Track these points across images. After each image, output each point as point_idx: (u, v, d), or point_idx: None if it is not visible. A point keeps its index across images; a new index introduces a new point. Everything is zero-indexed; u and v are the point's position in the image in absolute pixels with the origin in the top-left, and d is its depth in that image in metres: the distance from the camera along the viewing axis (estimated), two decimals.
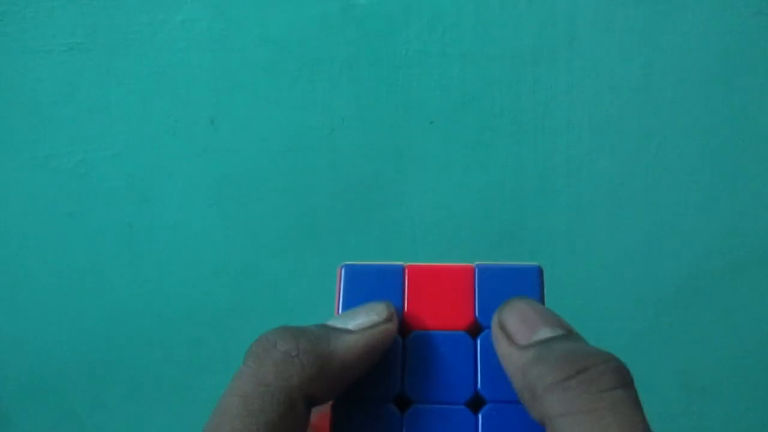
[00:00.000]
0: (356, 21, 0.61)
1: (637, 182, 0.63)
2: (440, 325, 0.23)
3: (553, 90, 0.61)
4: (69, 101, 0.63)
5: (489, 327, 0.22)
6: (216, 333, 0.67)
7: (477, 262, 0.24)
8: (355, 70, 0.62)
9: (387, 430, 0.22)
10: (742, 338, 0.65)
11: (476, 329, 0.23)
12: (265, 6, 0.61)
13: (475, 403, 0.22)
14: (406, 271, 0.24)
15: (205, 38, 0.62)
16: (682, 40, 0.60)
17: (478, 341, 0.23)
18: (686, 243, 0.64)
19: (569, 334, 0.21)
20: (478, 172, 0.63)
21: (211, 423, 0.19)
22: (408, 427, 0.22)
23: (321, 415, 0.22)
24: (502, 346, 0.21)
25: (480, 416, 0.22)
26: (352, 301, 0.23)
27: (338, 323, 0.22)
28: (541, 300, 0.23)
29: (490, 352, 0.22)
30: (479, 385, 0.22)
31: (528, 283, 0.23)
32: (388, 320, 0.22)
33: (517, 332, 0.21)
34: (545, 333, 0.20)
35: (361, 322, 0.22)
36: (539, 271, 0.23)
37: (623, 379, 0.19)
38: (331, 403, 0.22)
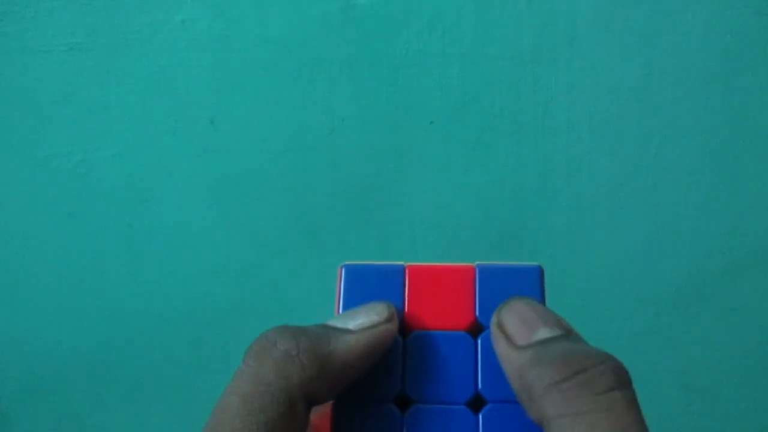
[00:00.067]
0: (356, 21, 0.61)
1: (637, 182, 0.63)
2: (441, 325, 0.23)
3: (553, 90, 0.61)
4: (69, 101, 0.63)
5: (489, 327, 0.22)
6: (216, 333, 0.67)
7: (478, 262, 0.24)
8: (355, 70, 0.62)
9: (387, 430, 0.22)
10: (742, 338, 0.65)
11: (477, 329, 0.23)
12: (265, 6, 0.61)
13: (476, 403, 0.22)
14: (407, 271, 0.24)
15: (205, 38, 0.62)
16: (682, 40, 0.60)
17: (479, 341, 0.23)
18: (686, 243, 0.64)
19: (568, 335, 0.21)
20: (478, 172, 0.63)
21: (210, 422, 0.19)
22: (408, 427, 0.22)
23: (321, 414, 0.22)
24: (500, 347, 0.21)
25: (480, 416, 0.22)
26: (352, 301, 0.23)
27: (338, 323, 0.22)
28: (542, 300, 0.23)
29: (490, 352, 0.22)
30: (480, 385, 0.22)
31: (529, 283, 0.23)
32: (388, 320, 0.22)
33: (515, 333, 0.21)
34: (544, 333, 0.20)
35: (361, 322, 0.22)
36: (540, 271, 0.23)
37: (621, 380, 0.19)
38: (331, 402, 0.22)
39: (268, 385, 0.19)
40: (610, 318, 0.65)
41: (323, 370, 0.20)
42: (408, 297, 0.23)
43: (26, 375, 0.69)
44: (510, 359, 0.20)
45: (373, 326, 0.22)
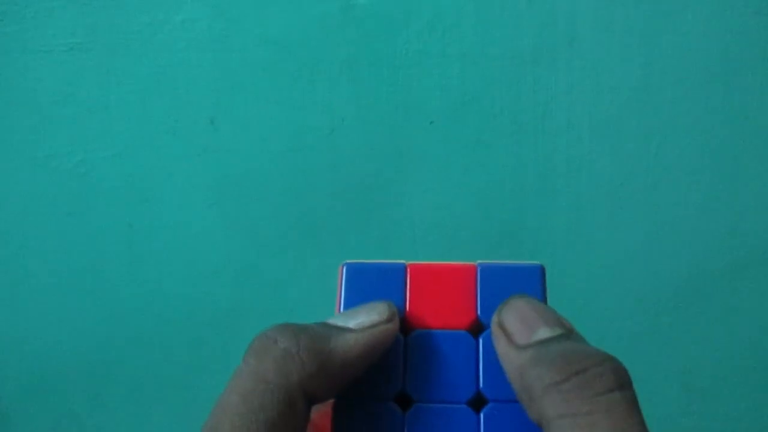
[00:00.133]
0: (356, 21, 0.61)
1: (637, 182, 0.63)
2: (442, 324, 0.23)
3: (553, 90, 0.61)
4: (69, 101, 0.63)
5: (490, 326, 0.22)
6: (216, 333, 0.67)
7: (479, 261, 0.24)
8: (355, 70, 0.62)
9: (388, 429, 0.22)
10: (742, 338, 0.65)
11: (478, 328, 0.23)
12: (265, 6, 0.61)
13: (477, 403, 0.22)
14: (408, 269, 0.24)
15: (205, 38, 0.62)
16: (682, 40, 0.60)
17: (480, 340, 0.23)
18: (686, 243, 0.64)
19: (569, 334, 0.20)
20: (478, 172, 0.63)
21: (210, 421, 0.19)
22: (409, 426, 0.22)
23: (322, 413, 0.22)
24: (501, 346, 0.21)
25: (482, 415, 0.22)
26: (353, 300, 0.23)
27: (339, 321, 0.22)
28: (544, 299, 0.23)
29: (491, 351, 0.22)
30: (481, 385, 0.22)
31: (530, 282, 0.23)
32: (389, 320, 0.22)
33: (516, 332, 0.21)
34: (544, 333, 0.20)
35: (362, 321, 0.22)
36: (541, 270, 0.23)
37: (621, 380, 0.19)
38: (332, 401, 0.22)
39: (268, 384, 0.19)
40: (610, 318, 0.65)
41: (323, 369, 0.20)
42: (409, 296, 0.23)
43: (26, 375, 0.69)
44: (510, 359, 0.20)
45: (373, 325, 0.22)
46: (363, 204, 0.64)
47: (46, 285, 0.67)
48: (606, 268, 0.64)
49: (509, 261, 0.24)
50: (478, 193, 0.63)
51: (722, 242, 0.63)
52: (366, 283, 0.23)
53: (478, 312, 0.23)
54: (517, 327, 0.21)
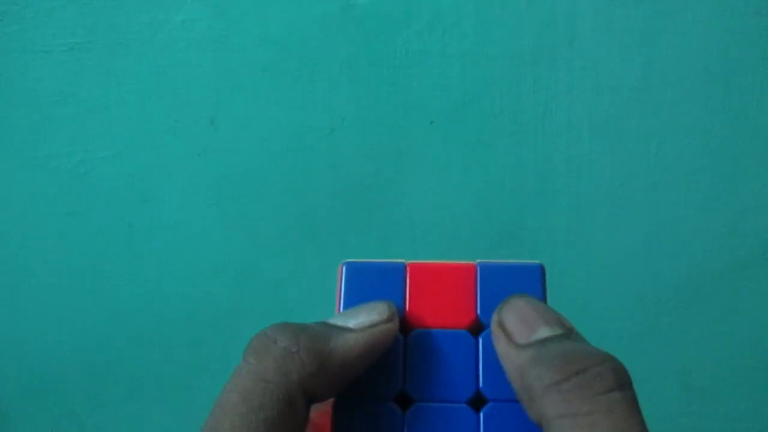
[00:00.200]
0: (356, 21, 0.61)
1: (637, 182, 0.63)
2: (442, 323, 0.23)
3: (553, 90, 0.61)
4: (69, 101, 0.63)
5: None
6: (216, 333, 0.67)
7: (479, 260, 0.24)
8: (355, 70, 0.62)
9: (388, 429, 0.22)
10: (742, 338, 0.65)
11: (478, 327, 0.23)
12: (265, 6, 0.61)
13: (477, 402, 0.22)
14: (408, 268, 0.24)
15: (205, 38, 0.62)
16: (682, 40, 0.60)
17: (480, 340, 0.23)
18: (686, 243, 0.64)
19: (569, 334, 0.20)
20: (478, 172, 0.63)
21: (210, 420, 0.19)
22: (409, 425, 0.22)
23: (322, 412, 0.22)
24: (501, 346, 0.21)
25: (481, 415, 0.22)
26: (353, 299, 0.23)
27: (339, 321, 0.22)
28: (544, 298, 0.23)
29: (491, 350, 0.22)
30: (481, 384, 0.22)
31: (530, 282, 0.23)
32: (389, 320, 0.22)
33: (516, 331, 0.21)
34: (544, 332, 0.20)
35: (361, 321, 0.22)
36: (541, 269, 0.23)
37: (620, 380, 0.19)
38: (332, 400, 0.22)
39: (268, 382, 0.19)
40: (610, 318, 0.65)
41: (323, 368, 0.20)
42: (409, 295, 0.23)
43: (26, 375, 0.69)
44: (510, 358, 0.20)
45: (373, 325, 0.21)
46: (363, 204, 0.64)
47: (46, 285, 0.67)
48: (606, 268, 0.64)
49: (509, 260, 0.24)
50: (478, 193, 0.63)
51: (722, 242, 0.63)
52: (366, 283, 0.23)
53: (478, 311, 0.23)
54: (517, 326, 0.21)
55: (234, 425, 0.19)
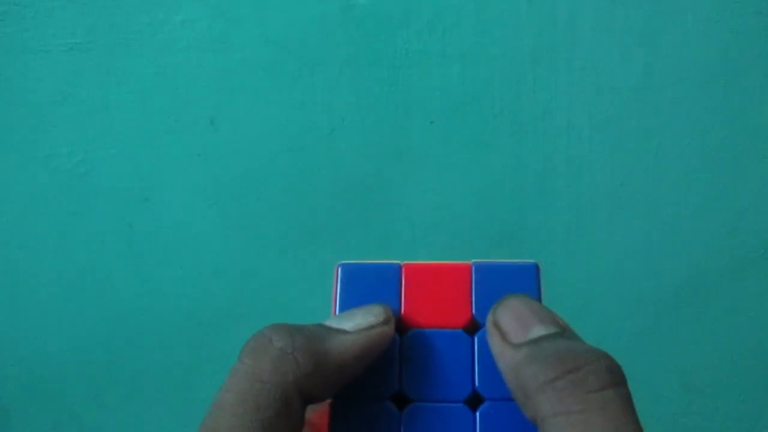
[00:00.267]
0: (356, 21, 0.61)
1: (637, 182, 0.63)
2: (438, 323, 0.23)
3: (553, 90, 0.61)
4: (69, 101, 0.63)
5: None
6: (216, 333, 0.67)
7: (474, 260, 0.24)
8: (355, 70, 0.62)
9: (385, 429, 0.22)
10: (742, 338, 0.65)
11: (474, 327, 0.23)
12: (265, 6, 0.61)
13: (473, 401, 0.22)
14: (403, 269, 0.24)
15: (205, 38, 0.62)
16: (682, 40, 0.60)
17: (476, 339, 0.23)
18: (686, 243, 0.64)
19: (563, 332, 0.21)
20: (478, 172, 0.63)
21: (207, 420, 0.19)
22: (406, 425, 0.22)
23: (319, 413, 0.22)
24: (496, 345, 0.21)
25: (478, 414, 0.22)
26: (349, 300, 0.23)
27: (335, 323, 0.22)
28: (539, 297, 0.23)
29: (487, 350, 0.22)
30: (477, 383, 0.22)
31: (525, 281, 0.23)
32: (385, 322, 0.22)
33: (510, 330, 0.21)
34: (539, 331, 0.20)
35: (358, 323, 0.22)
36: (536, 269, 0.23)
37: (614, 378, 0.19)
38: (329, 401, 0.22)
39: (264, 383, 0.19)
40: (610, 318, 0.65)
41: (318, 369, 0.20)
42: (404, 295, 0.23)
43: (26, 375, 0.69)
44: (505, 357, 0.20)
45: (369, 328, 0.22)
46: (363, 204, 0.64)
47: (46, 285, 0.67)
48: (606, 268, 0.64)
49: (504, 260, 0.24)
50: (478, 193, 0.63)
51: (722, 242, 0.63)
52: (361, 284, 0.23)
53: (474, 311, 0.23)
54: (512, 325, 0.21)
55: (231, 425, 0.19)
